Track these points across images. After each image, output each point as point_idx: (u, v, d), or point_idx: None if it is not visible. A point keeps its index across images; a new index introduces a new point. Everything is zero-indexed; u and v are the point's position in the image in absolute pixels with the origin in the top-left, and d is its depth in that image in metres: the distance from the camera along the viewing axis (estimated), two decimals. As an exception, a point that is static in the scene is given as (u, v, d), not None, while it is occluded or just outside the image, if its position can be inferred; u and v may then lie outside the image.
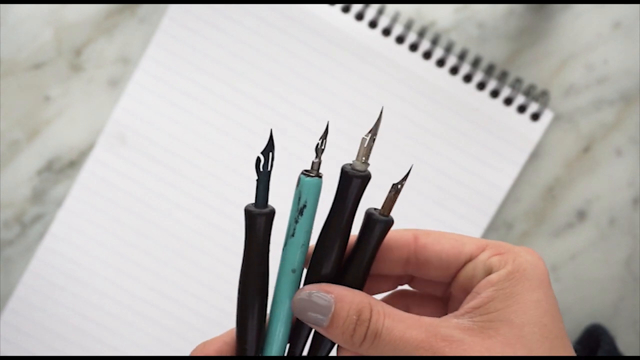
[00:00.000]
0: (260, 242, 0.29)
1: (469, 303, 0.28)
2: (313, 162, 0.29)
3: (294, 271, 0.30)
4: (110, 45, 0.54)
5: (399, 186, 0.30)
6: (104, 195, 0.54)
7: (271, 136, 0.28)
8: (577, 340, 0.53)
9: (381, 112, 0.30)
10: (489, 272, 0.29)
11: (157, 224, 0.54)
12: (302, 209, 0.29)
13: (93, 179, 0.54)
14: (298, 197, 0.29)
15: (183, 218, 0.54)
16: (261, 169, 0.29)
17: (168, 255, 0.54)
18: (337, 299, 0.29)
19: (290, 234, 0.30)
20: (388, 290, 0.34)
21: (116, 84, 0.54)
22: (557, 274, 0.55)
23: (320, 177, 0.29)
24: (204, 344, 0.32)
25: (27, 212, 0.54)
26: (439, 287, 0.33)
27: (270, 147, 0.29)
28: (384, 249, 0.31)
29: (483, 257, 0.30)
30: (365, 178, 0.29)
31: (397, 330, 0.27)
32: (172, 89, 0.54)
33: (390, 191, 0.30)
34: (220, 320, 0.55)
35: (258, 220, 0.29)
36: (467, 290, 0.30)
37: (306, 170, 0.29)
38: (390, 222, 0.30)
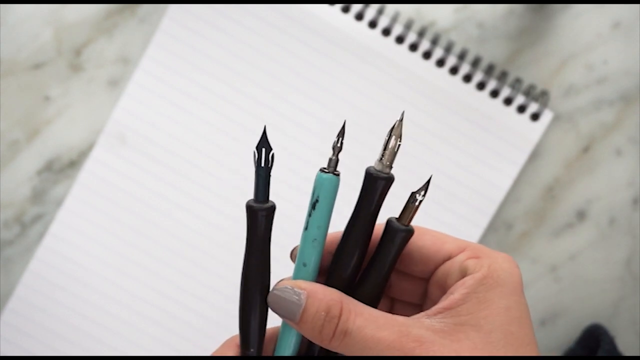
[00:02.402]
0: (260, 237, 0.30)
1: (441, 303, 0.29)
2: (330, 159, 0.30)
3: (304, 265, 0.30)
4: (110, 45, 0.54)
5: (418, 196, 0.30)
6: (104, 195, 0.54)
7: (264, 132, 0.29)
8: (577, 340, 0.53)
9: (402, 115, 0.30)
10: (463, 273, 0.30)
11: (157, 224, 0.54)
12: (314, 204, 0.30)
13: (93, 179, 0.54)
14: (312, 192, 0.30)
15: (183, 218, 0.54)
16: (256, 164, 0.29)
17: (168, 255, 0.54)
18: (308, 295, 0.29)
19: (305, 227, 0.30)
20: None
21: (116, 84, 0.54)
22: (557, 274, 0.55)
23: (337, 174, 0.30)
24: (235, 336, 0.33)
25: (27, 212, 0.54)
26: (415, 290, 0.34)
27: (263, 143, 0.29)
28: (371, 241, 0.32)
29: (460, 258, 0.31)
30: (389, 180, 0.30)
31: (368, 330, 0.28)
32: (172, 89, 0.54)
33: (409, 200, 0.30)
34: (220, 320, 0.55)
35: (259, 215, 0.30)
36: (442, 288, 0.31)
37: (324, 167, 0.30)
38: (410, 232, 0.31)
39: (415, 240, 0.32)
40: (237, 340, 0.32)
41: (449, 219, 0.54)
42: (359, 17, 0.54)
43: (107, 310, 0.54)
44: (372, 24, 0.54)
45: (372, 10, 0.54)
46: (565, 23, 0.55)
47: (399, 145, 0.30)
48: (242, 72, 0.54)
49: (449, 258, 0.31)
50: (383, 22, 0.54)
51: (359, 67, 0.54)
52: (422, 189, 0.30)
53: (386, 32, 0.54)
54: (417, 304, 0.34)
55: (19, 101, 0.54)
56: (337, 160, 0.30)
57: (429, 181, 0.31)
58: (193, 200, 0.54)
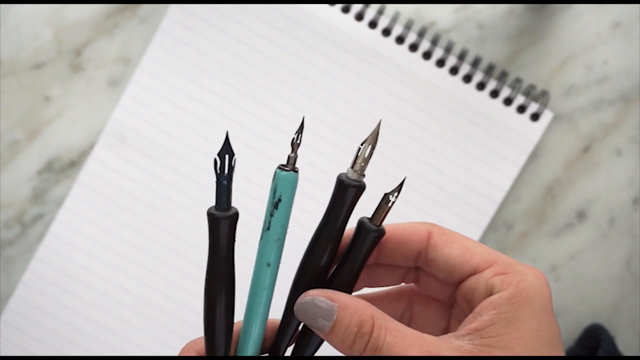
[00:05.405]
0: (223, 245, 0.29)
1: (471, 324, 0.29)
2: (289, 157, 0.29)
3: (268, 265, 0.30)
4: (110, 45, 0.54)
5: (391, 197, 0.30)
6: (104, 195, 0.54)
7: (227, 139, 0.28)
8: (577, 340, 0.53)
9: (379, 124, 0.29)
10: (490, 291, 0.29)
11: (157, 223, 0.54)
12: (277, 203, 0.29)
13: (93, 179, 0.54)
14: (273, 190, 0.29)
15: (183, 218, 0.54)
16: (218, 171, 0.28)
17: (168, 255, 0.54)
18: (340, 308, 0.29)
19: (266, 227, 0.30)
20: (395, 282, 0.34)
21: (116, 84, 0.54)
22: (557, 274, 0.55)
23: (296, 171, 0.29)
24: (194, 341, 0.32)
25: (27, 212, 0.54)
26: (444, 290, 0.33)
27: (226, 150, 0.28)
28: (397, 242, 0.31)
29: (487, 274, 0.30)
30: (360, 188, 0.29)
31: (397, 348, 0.28)
32: (172, 89, 0.54)
33: (382, 201, 0.30)
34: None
35: (221, 223, 0.29)
36: (469, 302, 0.31)
37: (282, 165, 0.29)
38: (381, 233, 0.30)
39: (443, 247, 0.31)
40: (198, 345, 0.32)
41: (449, 219, 0.54)
42: (359, 17, 0.54)
43: (107, 310, 0.54)
44: (372, 24, 0.54)
45: (372, 10, 0.54)
46: (565, 23, 0.55)
47: (372, 153, 0.29)
48: (242, 72, 0.54)
49: (474, 272, 0.30)
50: (383, 23, 0.54)
51: (359, 67, 0.54)
52: (395, 191, 0.30)
53: (386, 32, 0.54)
54: (445, 302, 0.34)
55: (19, 101, 0.54)
56: (296, 157, 0.29)
57: (402, 183, 0.30)
58: (193, 200, 0.54)
